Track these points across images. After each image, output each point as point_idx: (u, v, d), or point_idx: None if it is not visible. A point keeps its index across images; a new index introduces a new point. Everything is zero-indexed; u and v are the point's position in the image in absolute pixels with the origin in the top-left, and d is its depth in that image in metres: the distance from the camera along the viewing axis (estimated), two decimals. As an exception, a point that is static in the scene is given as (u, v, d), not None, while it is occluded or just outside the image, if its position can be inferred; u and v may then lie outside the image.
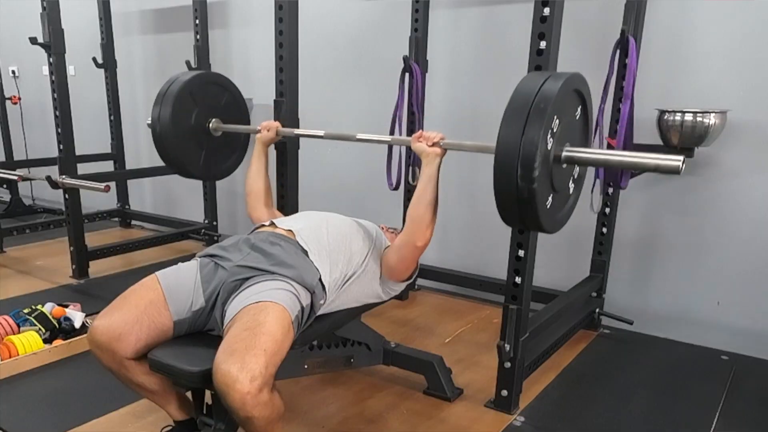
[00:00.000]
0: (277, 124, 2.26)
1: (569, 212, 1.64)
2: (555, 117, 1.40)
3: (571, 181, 1.61)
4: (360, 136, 1.95)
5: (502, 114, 1.41)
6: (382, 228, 2.10)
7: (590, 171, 2.40)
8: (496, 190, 1.43)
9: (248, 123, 2.65)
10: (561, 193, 1.55)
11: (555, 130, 1.42)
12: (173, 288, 1.63)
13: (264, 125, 2.26)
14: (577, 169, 1.62)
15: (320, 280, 1.70)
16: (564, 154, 1.50)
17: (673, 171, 1.42)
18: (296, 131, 2.28)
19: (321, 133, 2.17)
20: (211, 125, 2.48)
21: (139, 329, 1.55)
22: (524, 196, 1.38)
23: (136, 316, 1.56)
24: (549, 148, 1.41)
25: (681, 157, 1.40)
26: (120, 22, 4.18)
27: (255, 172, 2.23)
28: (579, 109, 1.57)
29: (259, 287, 1.57)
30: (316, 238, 1.78)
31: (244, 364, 1.33)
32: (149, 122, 2.36)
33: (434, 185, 1.78)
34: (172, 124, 2.33)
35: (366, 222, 2.02)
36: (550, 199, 1.48)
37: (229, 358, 1.34)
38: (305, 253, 1.73)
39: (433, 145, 1.81)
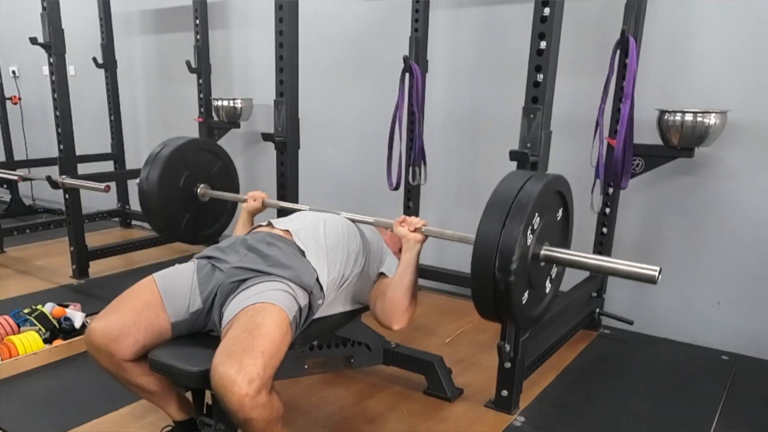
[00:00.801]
0: (264, 195, 2.28)
1: (545, 310, 1.66)
2: (536, 215, 1.43)
3: (548, 280, 1.64)
4: (344, 215, 2.00)
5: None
6: (381, 228, 2.10)
7: (591, 171, 2.41)
8: (473, 282, 1.45)
9: (238, 192, 2.67)
10: (537, 290, 1.57)
11: (535, 228, 1.45)
12: (170, 290, 1.63)
13: (251, 195, 2.28)
14: (555, 268, 1.64)
15: (318, 280, 1.70)
16: (543, 252, 1.52)
17: (649, 280, 1.43)
18: (281, 204, 2.31)
19: (305, 207, 2.18)
20: (199, 190, 2.51)
21: (137, 331, 1.55)
22: (500, 288, 1.40)
23: (133, 318, 1.56)
24: (528, 244, 1.43)
25: (657, 268, 1.42)
26: (120, 23, 4.18)
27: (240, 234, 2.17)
28: (560, 211, 1.60)
29: (256, 289, 1.57)
30: (314, 238, 1.78)
31: (242, 367, 1.32)
32: (137, 182, 2.40)
33: (413, 270, 1.77)
34: (158, 185, 2.36)
35: (366, 224, 2.02)
36: (526, 295, 1.51)
37: (227, 361, 1.34)
38: (302, 253, 1.73)
39: (415, 230, 1.81)
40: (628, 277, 1.50)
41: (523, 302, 1.50)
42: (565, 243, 1.66)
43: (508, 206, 1.41)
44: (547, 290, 1.65)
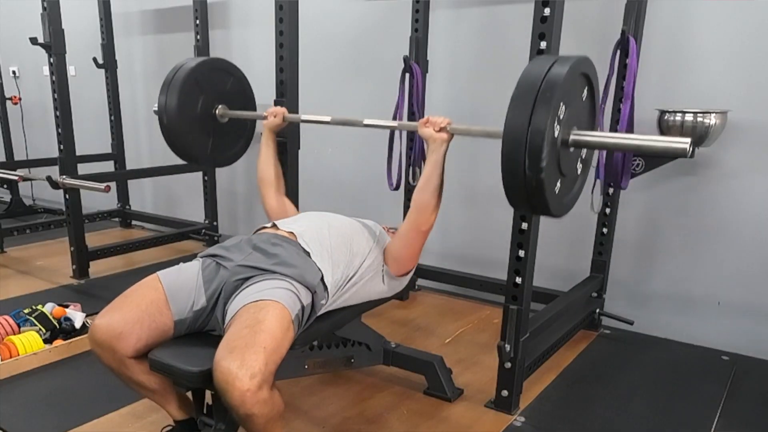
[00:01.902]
0: (284, 110, 2.26)
1: (577, 194, 1.63)
2: (562, 104, 1.39)
3: (578, 163, 1.60)
4: (367, 121, 1.95)
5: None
6: (385, 228, 2.10)
7: (591, 171, 2.41)
8: (504, 177, 1.42)
9: (254, 109, 2.62)
10: (569, 177, 1.54)
11: (562, 117, 1.41)
12: (175, 288, 1.63)
13: (270, 111, 2.26)
14: (584, 151, 1.61)
15: (322, 280, 1.70)
16: (572, 138, 1.49)
17: (681, 154, 1.40)
18: (303, 117, 2.26)
19: (327, 118, 2.15)
20: (217, 112, 2.45)
21: (140, 328, 1.55)
22: (532, 183, 1.38)
23: (137, 315, 1.56)
24: (556, 135, 1.40)
25: (688, 140, 1.39)
26: (120, 23, 4.18)
27: (264, 159, 2.24)
28: (586, 92, 1.55)
29: (259, 286, 1.57)
30: (318, 239, 1.79)
31: (244, 362, 1.33)
32: (155, 109, 2.33)
33: (440, 171, 1.78)
34: (178, 112, 2.30)
35: (368, 222, 2.03)
36: (558, 184, 1.48)
37: (229, 356, 1.35)
38: (307, 254, 1.73)
39: (440, 130, 1.80)
40: (659, 153, 1.46)
41: (556, 191, 1.47)
42: (593, 124, 1.62)
43: (534, 94, 1.36)
44: (578, 173, 1.62)
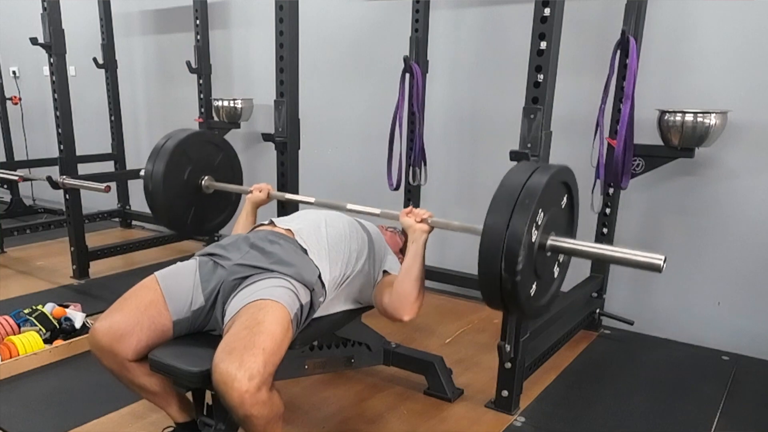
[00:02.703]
0: (269, 186, 2.26)
1: (554, 296, 1.66)
2: (542, 206, 1.43)
3: (555, 266, 1.63)
4: (350, 206, 1.99)
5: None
6: (381, 228, 2.10)
7: (591, 171, 2.41)
8: (480, 276, 1.45)
9: (241, 184, 2.65)
10: (545, 280, 1.57)
11: (541, 219, 1.45)
12: (172, 288, 1.63)
13: (256, 187, 2.26)
14: (561, 255, 1.64)
15: (320, 277, 1.70)
16: (549, 243, 1.52)
17: (654, 269, 1.43)
18: (287, 195, 2.29)
19: (311, 199, 2.18)
20: (203, 182, 2.49)
21: (140, 330, 1.55)
22: (507, 285, 1.41)
23: (136, 317, 1.56)
24: (533, 239, 1.43)
25: (663, 257, 1.42)
26: (120, 23, 4.18)
27: (241, 231, 2.13)
28: (565, 199, 1.60)
29: (258, 285, 1.57)
30: (316, 237, 1.79)
31: (243, 363, 1.33)
32: (142, 174, 2.37)
33: (420, 261, 1.76)
34: (164, 180, 2.32)
35: (365, 221, 2.02)
36: (533, 286, 1.51)
37: (228, 357, 1.35)
38: (304, 251, 1.73)
39: (421, 221, 1.80)
40: (632, 265, 1.49)
41: (531, 293, 1.50)
42: (571, 232, 1.66)
43: (514, 198, 1.40)
44: (554, 279, 1.65)
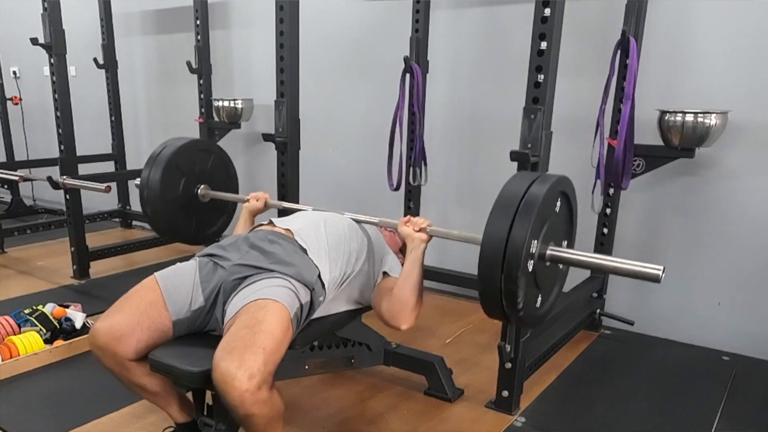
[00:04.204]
0: (266, 195, 2.26)
1: (553, 305, 1.67)
2: (540, 221, 1.44)
3: (554, 276, 1.64)
4: (348, 215, 2.00)
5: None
6: (381, 228, 2.10)
7: (591, 171, 2.41)
8: (480, 284, 1.46)
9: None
10: (543, 290, 1.58)
11: (541, 230, 1.46)
12: (172, 288, 1.63)
13: (253, 195, 2.26)
14: (560, 267, 1.65)
15: (319, 277, 1.70)
16: (548, 253, 1.53)
17: (654, 279, 1.43)
18: (284, 204, 2.29)
19: (309, 208, 2.17)
20: (199, 191, 2.50)
21: (140, 330, 1.55)
22: (508, 290, 1.42)
23: (136, 317, 1.56)
24: (533, 250, 1.44)
25: (661, 267, 1.43)
26: (121, 23, 4.18)
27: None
28: (565, 211, 1.61)
29: (258, 285, 1.57)
30: (315, 237, 1.79)
31: (243, 362, 1.33)
32: (137, 183, 2.39)
33: (419, 270, 1.76)
34: (160, 194, 2.35)
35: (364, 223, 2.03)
36: (533, 296, 1.52)
37: (228, 356, 1.35)
38: (304, 251, 1.73)
39: (420, 230, 1.81)
40: (631, 276, 1.50)
41: (530, 303, 1.51)
42: (570, 242, 1.68)
43: (514, 209, 1.42)
44: (553, 289, 1.66)
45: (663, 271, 1.42)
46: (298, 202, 2.44)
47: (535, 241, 1.44)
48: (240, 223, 2.22)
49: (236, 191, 2.66)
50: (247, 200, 2.27)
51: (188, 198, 2.48)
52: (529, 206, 1.41)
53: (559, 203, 1.56)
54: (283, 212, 2.37)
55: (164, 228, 2.48)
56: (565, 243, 1.64)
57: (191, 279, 1.67)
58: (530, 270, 1.45)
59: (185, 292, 1.64)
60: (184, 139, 2.48)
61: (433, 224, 1.85)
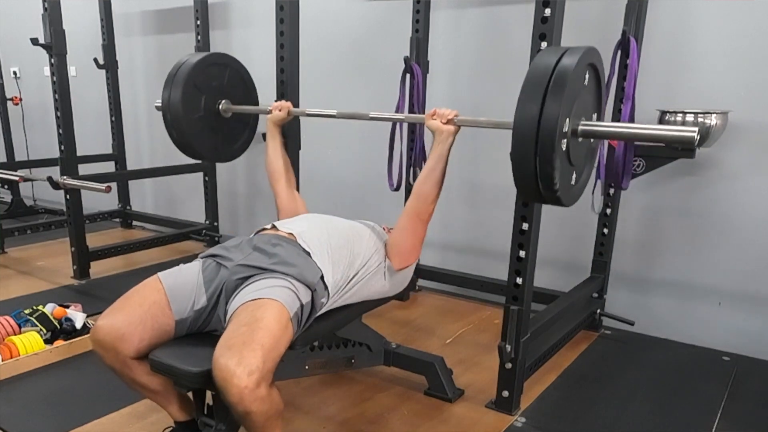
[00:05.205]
0: (289, 104, 2.27)
1: (585, 183, 1.65)
2: (572, 95, 1.40)
3: (585, 153, 1.61)
4: (373, 114, 1.98)
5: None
6: (384, 228, 2.10)
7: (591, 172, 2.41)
8: (515, 169, 1.43)
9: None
10: (577, 166, 1.56)
11: (571, 110, 1.41)
12: (175, 288, 1.64)
13: (275, 105, 2.27)
14: (591, 140, 1.62)
15: (322, 279, 1.70)
16: (581, 128, 1.49)
17: (688, 142, 1.42)
18: (308, 111, 2.27)
19: (333, 112, 2.18)
20: (221, 107, 2.47)
21: (143, 329, 1.56)
22: (544, 176, 1.39)
23: (139, 316, 1.56)
24: (566, 128, 1.41)
25: (696, 129, 1.41)
26: (121, 23, 4.18)
27: (272, 152, 2.25)
28: (594, 83, 1.56)
29: (258, 285, 1.58)
30: (318, 240, 1.79)
31: (242, 359, 1.33)
32: (157, 104, 2.36)
33: (443, 164, 1.82)
34: (184, 114, 2.34)
35: (369, 223, 2.03)
36: (567, 174, 1.49)
37: (227, 353, 1.35)
38: (307, 254, 1.73)
39: (447, 122, 1.82)
40: (667, 141, 1.48)
41: (566, 182, 1.48)
42: (599, 113, 1.64)
43: (544, 85, 1.37)
44: (586, 164, 1.63)
45: (698, 134, 1.40)
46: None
47: (568, 120, 1.40)
48: (268, 136, 2.26)
49: (256, 102, 2.63)
50: (270, 111, 2.28)
51: (211, 115, 2.46)
52: (559, 82, 1.36)
53: (587, 76, 1.50)
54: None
55: (192, 149, 2.46)
56: (594, 116, 1.60)
57: (194, 279, 1.68)
58: (564, 149, 1.42)
59: (188, 292, 1.65)
60: (197, 55, 2.46)
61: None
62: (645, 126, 1.57)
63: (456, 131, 1.83)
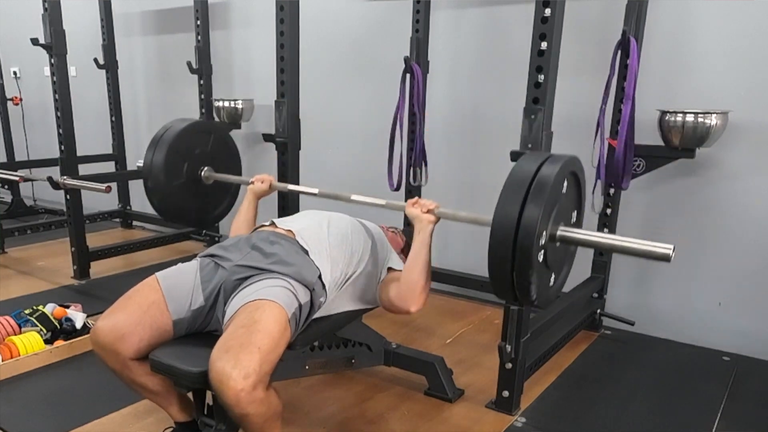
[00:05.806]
0: (271, 178, 2.26)
1: (562, 284, 1.67)
2: (553, 197, 1.42)
3: (563, 257, 1.63)
4: (354, 197, 2.00)
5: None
6: (383, 228, 2.10)
7: (591, 172, 2.40)
8: (491, 269, 1.45)
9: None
10: (554, 270, 1.58)
11: (552, 210, 1.45)
12: (173, 288, 1.64)
13: (257, 177, 2.25)
14: (570, 247, 1.64)
15: (320, 277, 1.70)
16: (559, 233, 1.52)
17: (664, 259, 1.42)
18: (290, 187, 2.28)
19: (315, 191, 2.18)
20: (202, 173, 2.49)
21: (142, 330, 1.56)
22: (519, 271, 1.41)
23: (138, 316, 1.56)
24: (546, 226, 1.43)
25: (671, 246, 1.41)
26: (121, 23, 4.18)
27: (243, 220, 2.16)
28: (574, 191, 1.60)
29: (256, 286, 1.58)
30: (317, 237, 1.79)
31: (238, 362, 1.33)
32: (139, 164, 2.40)
33: (427, 251, 1.77)
34: (165, 179, 2.36)
35: (367, 222, 2.03)
36: (543, 278, 1.51)
37: (224, 356, 1.35)
38: (305, 252, 1.73)
39: (428, 212, 1.81)
40: (641, 255, 1.48)
41: (542, 285, 1.49)
42: (579, 222, 1.66)
43: (525, 188, 1.40)
44: (563, 267, 1.65)
45: (673, 250, 1.40)
46: (297, 203, 2.45)
47: (547, 224, 1.42)
48: (243, 206, 2.20)
49: (239, 171, 2.64)
50: (251, 182, 2.25)
51: (193, 181, 2.47)
52: (540, 187, 1.39)
53: (568, 183, 1.53)
54: (284, 203, 2.36)
55: (171, 214, 2.47)
56: (574, 214, 1.62)
57: (192, 279, 1.67)
58: (543, 253, 1.43)
59: (186, 292, 1.64)
60: (184, 122, 2.47)
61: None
62: (621, 238, 1.58)
63: (436, 221, 1.81)
